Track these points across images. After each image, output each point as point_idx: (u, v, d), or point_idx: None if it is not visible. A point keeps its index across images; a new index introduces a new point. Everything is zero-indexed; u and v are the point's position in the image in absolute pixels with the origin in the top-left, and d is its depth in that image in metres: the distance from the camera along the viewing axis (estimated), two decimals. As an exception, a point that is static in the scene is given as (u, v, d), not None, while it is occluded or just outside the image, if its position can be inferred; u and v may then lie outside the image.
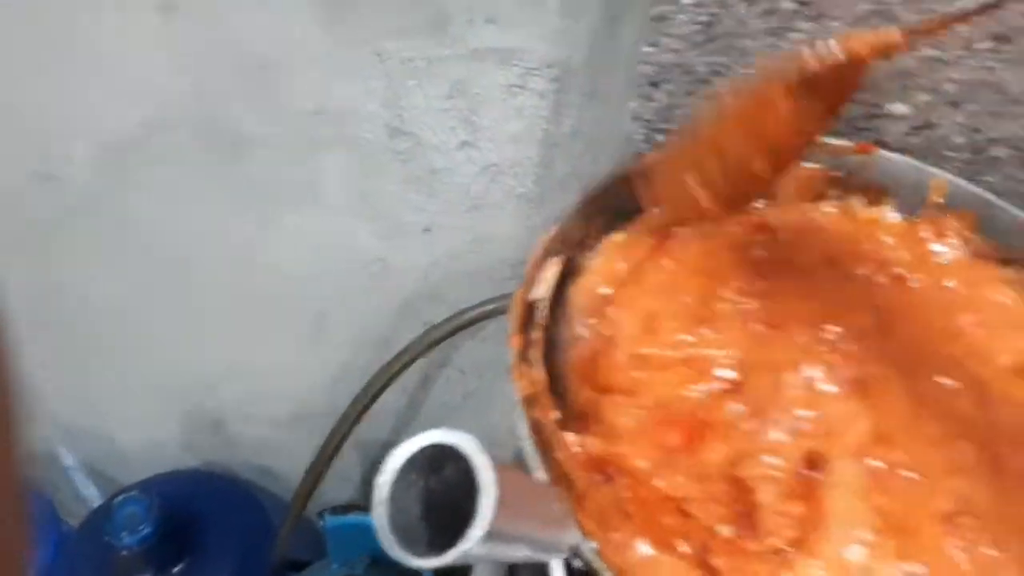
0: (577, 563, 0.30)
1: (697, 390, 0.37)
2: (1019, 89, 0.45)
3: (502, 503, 0.24)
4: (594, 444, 0.35)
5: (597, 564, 0.30)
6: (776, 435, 0.36)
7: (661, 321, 0.40)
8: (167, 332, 0.77)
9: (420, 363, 0.68)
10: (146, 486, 0.73)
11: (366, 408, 0.67)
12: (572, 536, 0.29)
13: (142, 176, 0.67)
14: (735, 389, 0.37)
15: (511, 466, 0.28)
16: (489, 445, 0.25)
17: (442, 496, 0.27)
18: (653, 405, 0.37)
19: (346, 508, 0.82)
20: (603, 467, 0.35)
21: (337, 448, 0.70)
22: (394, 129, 0.61)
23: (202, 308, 0.75)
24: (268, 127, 0.63)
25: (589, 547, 0.31)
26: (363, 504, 0.83)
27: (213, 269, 0.72)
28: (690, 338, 0.39)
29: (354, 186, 0.65)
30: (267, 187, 0.66)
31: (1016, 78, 0.45)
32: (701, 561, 0.32)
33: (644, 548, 0.32)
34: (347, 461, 0.79)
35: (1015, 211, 0.43)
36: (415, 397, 0.77)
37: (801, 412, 0.36)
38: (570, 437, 0.35)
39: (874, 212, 0.45)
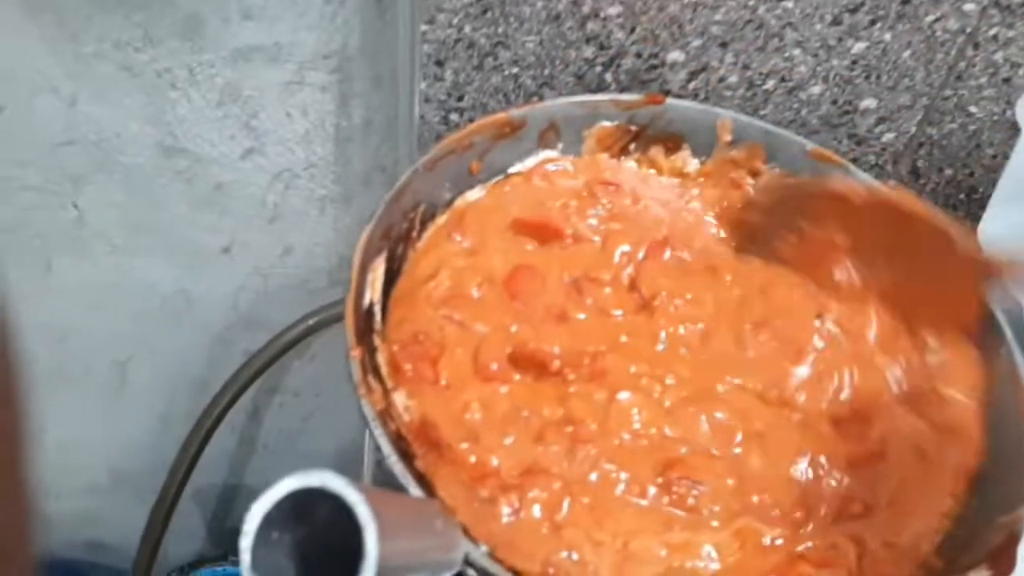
0: (471, 573, 0.29)
1: None
2: (777, 24, 0.48)
3: (385, 535, 0.22)
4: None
5: (492, 567, 0.29)
6: None
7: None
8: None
9: (245, 395, 0.63)
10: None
11: (196, 457, 0.61)
12: (461, 547, 0.28)
13: None
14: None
15: (382, 491, 0.26)
16: (347, 463, 0.23)
17: (316, 544, 0.24)
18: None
19: (195, 564, 0.76)
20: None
21: (172, 506, 0.63)
22: (167, 148, 0.55)
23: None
24: (12, 170, 0.55)
25: (480, 552, 0.30)
26: (213, 556, 0.77)
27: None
28: None
29: (132, 216, 0.58)
30: (26, 234, 0.58)
31: (773, 14, 0.48)
32: None
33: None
34: (186, 515, 0.72)
35: (793, 137, 0.46)
36: (247, 432, 0.72)
37: None
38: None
39: (675, 160, 0.47)
